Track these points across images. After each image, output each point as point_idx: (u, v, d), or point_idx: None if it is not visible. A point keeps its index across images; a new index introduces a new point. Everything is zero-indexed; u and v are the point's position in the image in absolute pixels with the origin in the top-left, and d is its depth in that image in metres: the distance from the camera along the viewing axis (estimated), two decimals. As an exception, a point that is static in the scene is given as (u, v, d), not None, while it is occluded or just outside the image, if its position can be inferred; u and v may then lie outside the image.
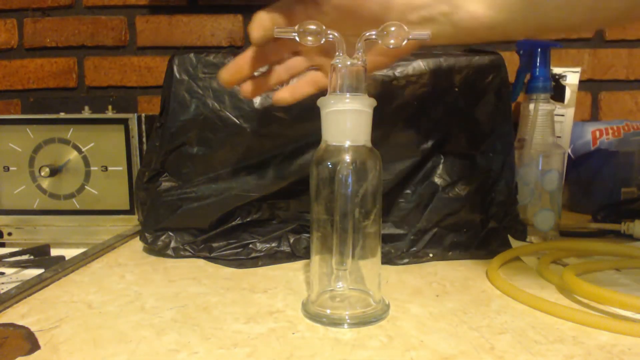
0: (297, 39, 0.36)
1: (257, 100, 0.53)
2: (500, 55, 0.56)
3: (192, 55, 0.55)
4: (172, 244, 0.53)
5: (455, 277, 0.46)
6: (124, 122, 0.66)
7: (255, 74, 0.43)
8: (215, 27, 0.84)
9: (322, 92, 0.44)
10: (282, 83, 0.45)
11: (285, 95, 0.44)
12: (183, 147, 0.54)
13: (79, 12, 0.84)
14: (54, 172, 0.66)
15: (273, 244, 0.52)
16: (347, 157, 0.35)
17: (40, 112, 0.84)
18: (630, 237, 0.60)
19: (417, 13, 0.36)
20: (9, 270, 0.53)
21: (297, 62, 0.43)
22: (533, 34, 0.38)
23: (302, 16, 0.39)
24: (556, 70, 0.71)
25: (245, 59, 0.41)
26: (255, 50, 0.41)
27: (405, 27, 0.35)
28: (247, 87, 0.43)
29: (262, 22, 0.38)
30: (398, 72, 0.53)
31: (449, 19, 0.36)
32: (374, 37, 0.35)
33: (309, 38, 0.35)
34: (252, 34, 0.38)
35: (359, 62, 0.35)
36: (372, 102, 0.35)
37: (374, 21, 0.36)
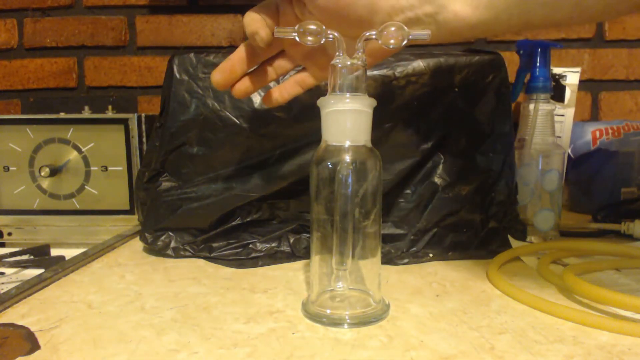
0: (297, 38, 0.36)
1: (256, 100, 0.53)
2: (500, 55, 0.56)
3: (192, 55, 0.55)
4: (172, 244, 0.53)
5: (455, 277, 0.46)
6: (124, 122, 0.66)
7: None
8: (215, 27, 0.84)
9: (314, 92, 0.45)
10: (272, 82, 0.45)
11: (275, 95, 0.44)
12: (183, 147, 0.54)
13: (79, 12, 0.84)
14: (54, 172, 0.66)
15: (273, 244, 0.52)
16: (347, 157, 0.35)
17: (40, 112, 0.84)
18: (630, 237, 0.60)
19: (402, 15, 0.36)
20: (9, 270, 0.53)
21: (283, 62, 0.43)
22: (516, 30, 0.38)
23: (289, 15, 0.39)
24: (556, 70, 0.71)
25: (237, 59, 0.41)
26: (246, 50, 0.41)
27: (405, 28, 0.35)
28: (239, 87, 0.42)
29: (261, 22, 0.38)
30: (398, 72, 0.53)
31: (434, 19, 0.36)
32: (373, 37, 0.35)
33: (309, 38, 0.35)
34: (260, 33, 0.37)
35: (359, 62, 0.35)
36: (372, 102, 0.35)
37: (360, 23, 0.36)
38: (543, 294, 0.40)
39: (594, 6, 0.34)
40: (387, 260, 0.50)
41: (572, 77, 0.71)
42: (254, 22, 0.38)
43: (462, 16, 0.35)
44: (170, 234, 0.54)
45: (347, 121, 0.35)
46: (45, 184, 0.68)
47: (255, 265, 0.50)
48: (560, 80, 0.71)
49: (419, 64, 0.53)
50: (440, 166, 0.54)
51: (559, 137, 0.70)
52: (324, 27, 0.35)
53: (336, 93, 0.35)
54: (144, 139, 0.66)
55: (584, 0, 0.33)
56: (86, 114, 0.69)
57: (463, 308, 0.38)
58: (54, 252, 0.60)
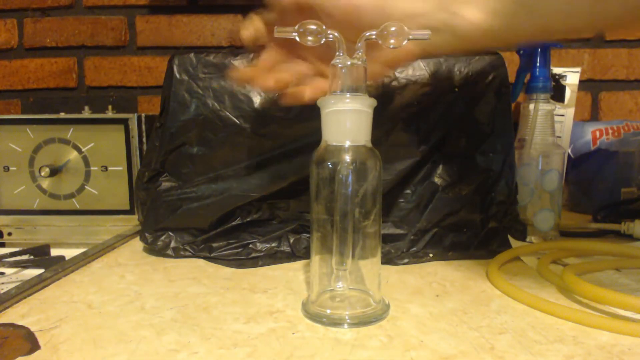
0: (297, 38, 0.36)
1: (257, 100, 0.53)
2: (500, 55, 0.56)
3: (192, 55, 0.55)
4: (172, 244, 0.53)
5: (455, 277, 0.46)
6: (124, 122, 0.66)
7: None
8: (215, 27, 0.84)
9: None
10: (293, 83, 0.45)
11: (305, 91, 0.43)
12: (183, 147, 0.54)
13: (79, 12, 0.84)
14: (54, 172, 0.66)
15: (273, 244, 0.52)
16: (347, 157, 0.35)
17: (40, 112, 0.84)
18: (630, 237, 0.60)
19: (415, 22, 0.36)
20: (9, 270, 0.53)
21: (303, 66, 0.44)
22: (535, 38, 0.37)
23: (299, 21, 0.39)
24: (556, 70, 0.71)
25: (270, 58, 0.42)
26: (276, 48, 0.41)
27: (406, 27, 0.35)
28: (266, 81, 0.42)
29: (259, 24, 0.38)
30: (398, 72, 0.53)
31: (448, 26, 0.36)
32: (374, 37, 0.35)
33: (309, 38, 0.35)
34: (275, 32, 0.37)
35: (360, 62, 0.35)
36: (373, 102, 0.35)
37: (371, 30, 0.36)
38: (543, 294, 0.40)
39: (608, 14, 0.33)
40: (387, 260, 0.50)
41: (572, 77, 0.71)
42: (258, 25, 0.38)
43: (474, 22, 0.35)
44: (170, 234, 0.54)
45: (347, 121, 0.35)
46: (45, 184, 0.68)
47: (255, 265, 0.50)
48: (560, 80, 0.71)
49: (419, 64, 0.53)
50: (440, 166, 0.54)
51: (559, 137, 0.70)
52: (324, 27, 0.35)
53: (336, 93, 0.35)
54: (144, 139, 0.66)
55: (597, 8, 0.33)
56: (86, 114, 0.69)
57: (463, 308, 0.38)
58: (54, 252, 0.60)
